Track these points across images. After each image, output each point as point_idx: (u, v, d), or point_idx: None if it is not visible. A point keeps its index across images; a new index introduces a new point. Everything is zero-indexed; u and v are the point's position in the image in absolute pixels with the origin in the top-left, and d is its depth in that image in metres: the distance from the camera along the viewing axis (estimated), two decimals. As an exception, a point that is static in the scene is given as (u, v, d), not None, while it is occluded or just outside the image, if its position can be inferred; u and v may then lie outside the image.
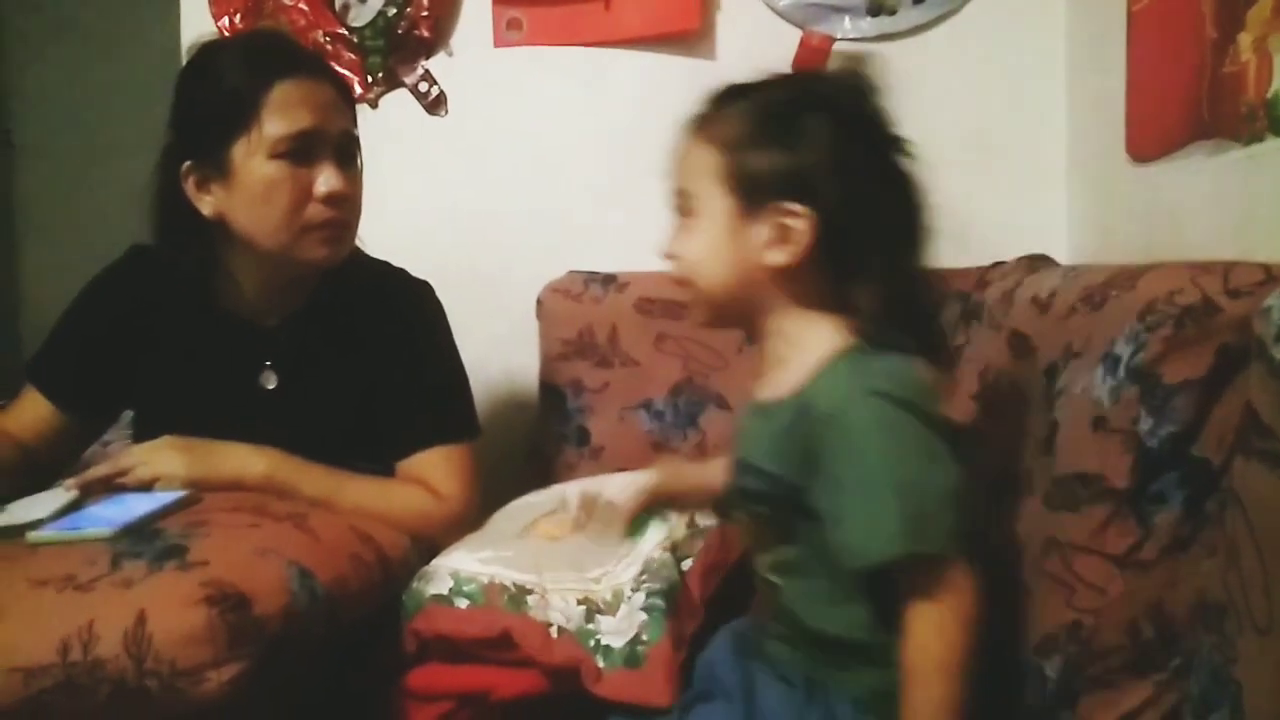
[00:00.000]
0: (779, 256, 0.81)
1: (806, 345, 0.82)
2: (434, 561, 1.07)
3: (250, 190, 1.11)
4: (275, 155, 1.10)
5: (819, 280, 0.82)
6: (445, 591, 1.00)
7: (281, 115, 1.10)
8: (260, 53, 1.16)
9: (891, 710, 0.76)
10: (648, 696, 0.90)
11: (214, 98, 1.12)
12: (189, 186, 1.14)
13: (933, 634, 0.74)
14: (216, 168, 1.12)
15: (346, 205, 1.16)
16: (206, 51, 1.17)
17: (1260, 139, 0.88)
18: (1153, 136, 1.12)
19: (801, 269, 0.81)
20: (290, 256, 1.15)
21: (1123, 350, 0.78)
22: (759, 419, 0.85)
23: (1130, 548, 0.75)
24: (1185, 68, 1.01)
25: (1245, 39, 0.90)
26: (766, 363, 0.87)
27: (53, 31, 2.91)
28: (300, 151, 1.11)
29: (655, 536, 1.08)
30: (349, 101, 1.20)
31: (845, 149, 0.81)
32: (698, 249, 0.84)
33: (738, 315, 0.87)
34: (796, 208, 0.80)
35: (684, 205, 0.86)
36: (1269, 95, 0.86)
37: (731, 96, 0.86)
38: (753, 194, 0.81)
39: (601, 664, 0.93)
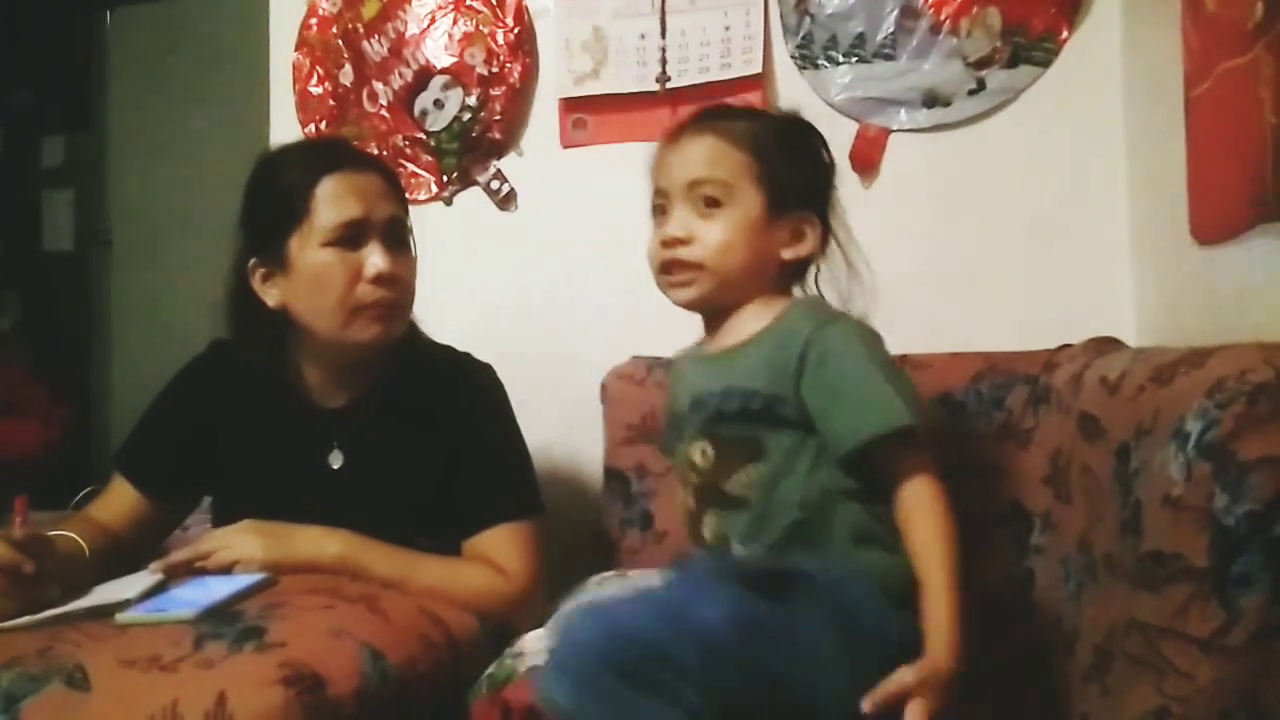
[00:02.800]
0: (791, 253, 1.01)
1: (771, 309, 1.00)
2: (527, 639, 1.08)
3: (306, 278, 1.18)
4: (326, 244, 1.17)
5: (797, 267, 1.03)
6: (541, 663, 1.00)
7: (330, 206, 1.17)
8: (311, 153, 1.26)
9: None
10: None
11: (272, 197, 1.20)
12: (255, 281, 1.22)
13: (934, 490, 0.89)
14: (277, 261, 1.19)
15: (396, 285, 1.20)
16: (267, 158, 1.26)
17: (1327, 220, 0.87)
18: (1217, 219, 1.12)
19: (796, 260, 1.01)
20: (345, 338, 1.19)
21: (1193, 427, 0.77)
22: (721, 361, 1.00)
23: (1215, 632, 0.72)
24: (1247, 152, 1.01)
25: (1306, 122, 0.90)
26: (724, 328, 1.03)
27: (150, 138, 3.10)
28: (349, 238, 1.17)
29: None
30: (397, 190, 1.27)
31: (831, 174, 1.06)
32: (725, 236, 0.99)
33: (734, 295, 1.01)
34: (812, 215, 1.01)
35: (711, 196, 0.99)
36: (1334, 177, 0.86)
37: (744, 114, 1.06)
38: (782, 198, 0.99)
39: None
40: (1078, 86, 1.49)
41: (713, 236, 0.98)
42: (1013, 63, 1.50)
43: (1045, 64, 1.49)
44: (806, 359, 0.92)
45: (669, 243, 1.00)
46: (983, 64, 1.51)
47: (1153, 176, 1.35)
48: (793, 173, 1.00)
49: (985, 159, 1.53)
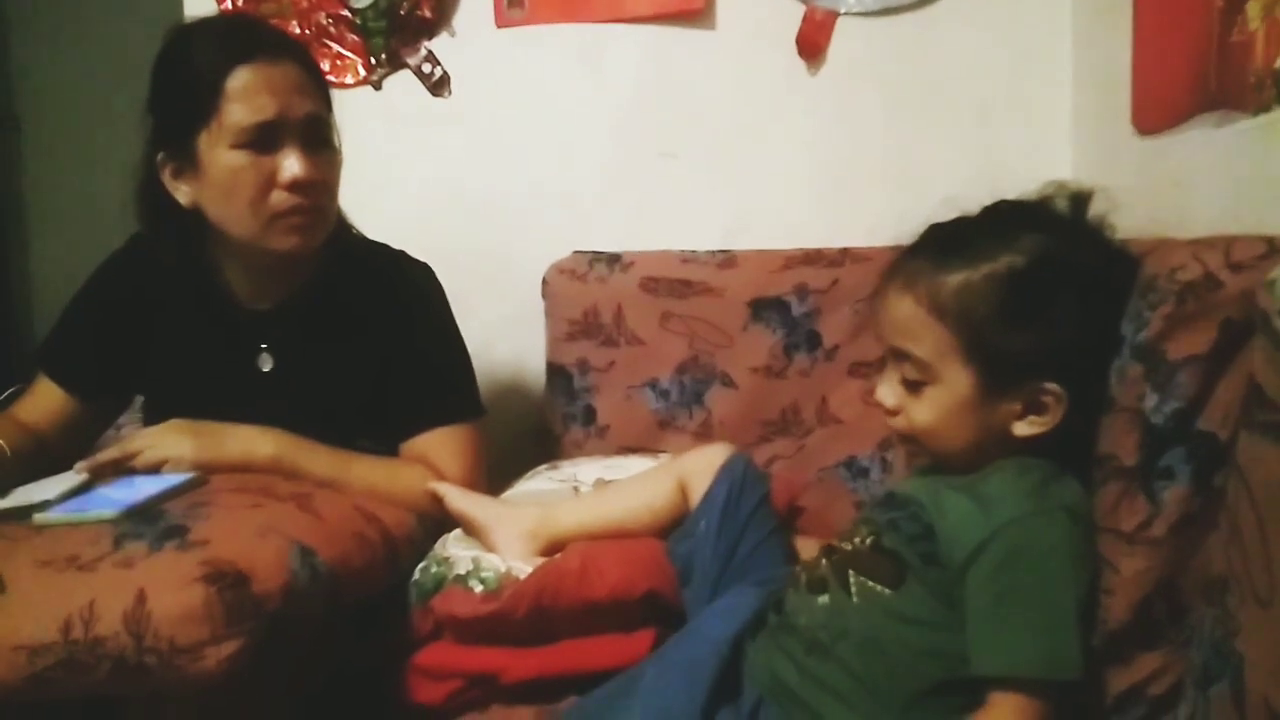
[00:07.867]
0: (1029, 429, 0.81)
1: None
2: (453, 549, 1.08)
3: (216, 181, 1.10)
4: (237, 145, 1.08)
5: (1049, 434, 0.81)
6: (463, 572, 1.02)
7: (241, 104, 1.08)
8: (221, 36, 1.14)
9: None
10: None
11: (178, 86, 1.11)
12: (165, 177, 1.14)
13: None
14: (187, 159, 1.11)
15: (314, 191, 1.12)
16: (175, 36, 1.15)
17: (1268, 109, 0.87)
18: (1159, 108, 1.11)
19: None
20: (262, 246, 1.13)
21: (1127, 329, 0.78)
22: (943, 482, 0.83)
23: (1140, 525, 0.75)
24: (1192, 37, 0.99)
25: (1253, 7, 0.88)
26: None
27: (57, 16, 2.90)
28: (262, 140, 1.09)
29: None
30: (317, 81, 1.17)
31: (1094, 322, 0.80)
32: (935, 417, 0.83)
33: (962, 462, 0.84)
34: (1053, 387, 0.79)
35: (914, 373, 0.83)
36: (1277, 65, 0.85)
37: (953, 252, 0.82)
38: (1003, 374, 0.80)
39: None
40: (1027, -32, 1.45)
41: (919, 417, 0.84)
42: (963, -57, 1.45)
43: (996, -56, 1.45)
44: (987, 549, 0.76)
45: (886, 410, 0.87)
46: (933, -57, 1.46)
47: (1098, 63, 1.33)
48: (1014, 343, 0.79)
49: (932, 44, 1.49)
